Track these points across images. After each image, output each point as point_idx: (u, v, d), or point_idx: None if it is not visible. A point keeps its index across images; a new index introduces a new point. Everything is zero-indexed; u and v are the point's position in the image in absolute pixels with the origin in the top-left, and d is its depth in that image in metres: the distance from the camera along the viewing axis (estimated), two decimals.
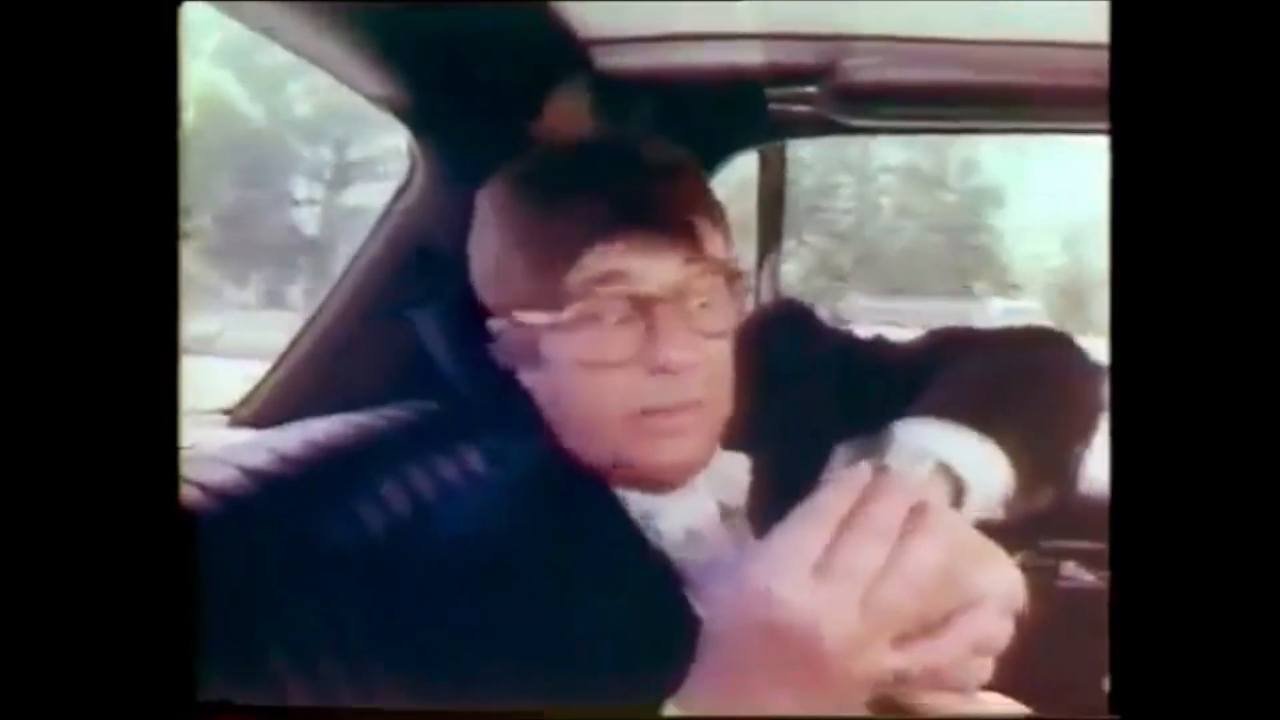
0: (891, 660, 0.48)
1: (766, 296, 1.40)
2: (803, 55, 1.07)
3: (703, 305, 0.64)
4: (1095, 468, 0.64)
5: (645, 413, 0.63)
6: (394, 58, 0.88)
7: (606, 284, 0.63)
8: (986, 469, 0.61)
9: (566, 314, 0.63)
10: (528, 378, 0.67)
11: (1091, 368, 0.72)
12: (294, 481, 0.76)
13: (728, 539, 0.66)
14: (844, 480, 0.49)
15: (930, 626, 0.49)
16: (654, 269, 0.63)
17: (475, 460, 0.85)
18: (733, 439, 0.68)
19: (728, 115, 1.17)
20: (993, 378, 0.67)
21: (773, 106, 1.13)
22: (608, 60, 1.05)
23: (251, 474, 0.73)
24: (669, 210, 0.64)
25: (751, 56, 1.07)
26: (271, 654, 0.65)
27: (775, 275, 1.47)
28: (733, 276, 0.66)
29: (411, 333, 0.84)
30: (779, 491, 0.57)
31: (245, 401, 1.10)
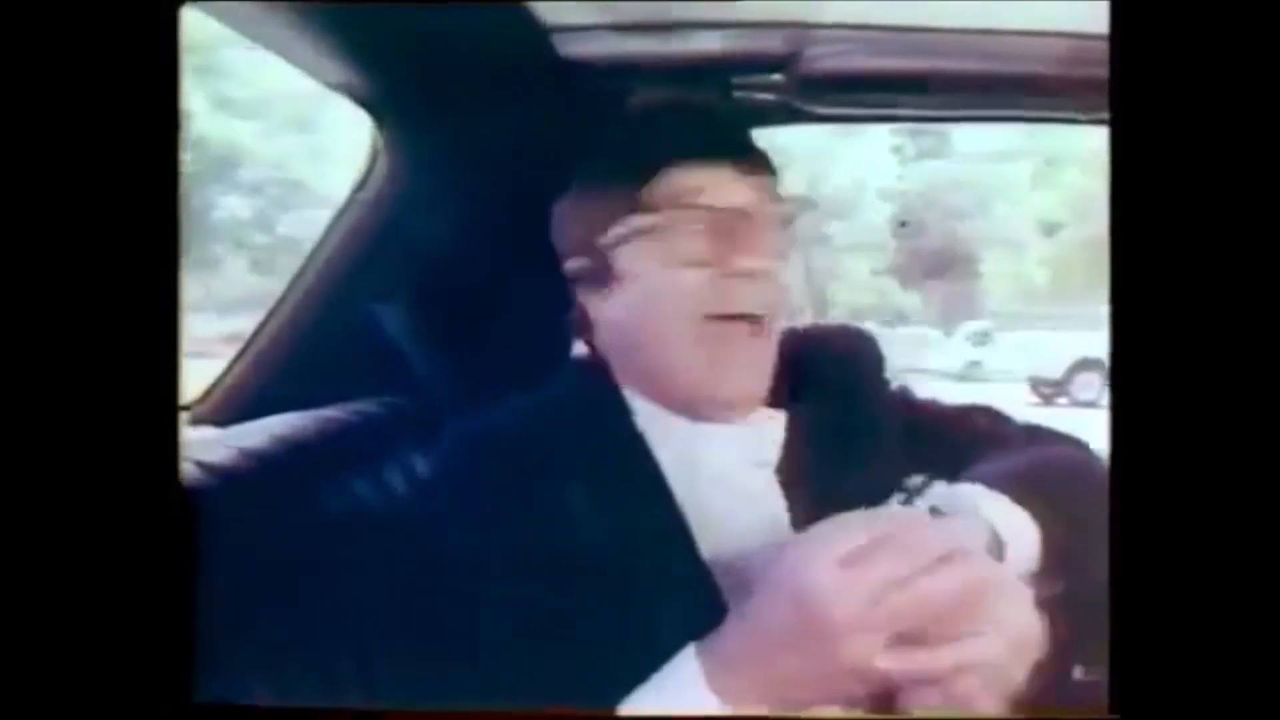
0: (880, 658, 0.52)
1: None
2: (767, 43, 1.07)
3: (767, 226, 0.70)
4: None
5: (719, 317, 0.68)
6: (357, 45, 0.87)
7: (687, 197, 0.68)
8: (1026, 543, 0.64)
9: (651, 219, 0.68)
10: (595, 308, 0.72)
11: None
12: (258, 477, 0.74)
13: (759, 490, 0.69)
14: (904, 512, 0.57)
15: (928, 641, 0.53)
16: (729, 189, 0.69)
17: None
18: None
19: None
20: (1037, 469, 0.71)
21: (737, 94, 1.13)
22: (571, 48, 1.04)
23: (213, 470, 0.71)
24: (744, 139, 0.72)
25: (714, 45, 1.06)
26: (250, 653, 0.63)
27: None
28: (786, 214, 0.73)
29: (375, 325, 0.83)
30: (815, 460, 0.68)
31: (205, 397, 1.08)
